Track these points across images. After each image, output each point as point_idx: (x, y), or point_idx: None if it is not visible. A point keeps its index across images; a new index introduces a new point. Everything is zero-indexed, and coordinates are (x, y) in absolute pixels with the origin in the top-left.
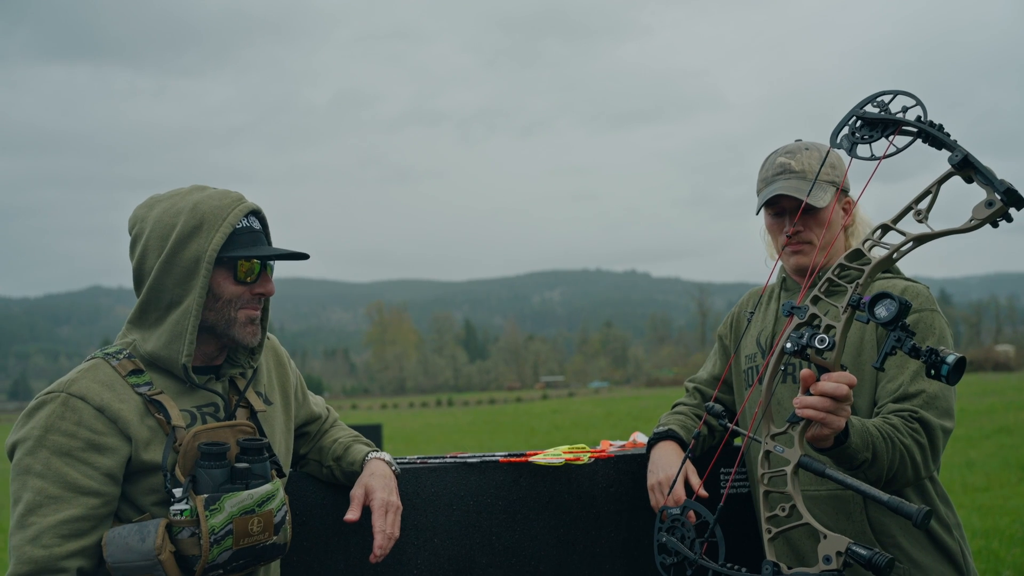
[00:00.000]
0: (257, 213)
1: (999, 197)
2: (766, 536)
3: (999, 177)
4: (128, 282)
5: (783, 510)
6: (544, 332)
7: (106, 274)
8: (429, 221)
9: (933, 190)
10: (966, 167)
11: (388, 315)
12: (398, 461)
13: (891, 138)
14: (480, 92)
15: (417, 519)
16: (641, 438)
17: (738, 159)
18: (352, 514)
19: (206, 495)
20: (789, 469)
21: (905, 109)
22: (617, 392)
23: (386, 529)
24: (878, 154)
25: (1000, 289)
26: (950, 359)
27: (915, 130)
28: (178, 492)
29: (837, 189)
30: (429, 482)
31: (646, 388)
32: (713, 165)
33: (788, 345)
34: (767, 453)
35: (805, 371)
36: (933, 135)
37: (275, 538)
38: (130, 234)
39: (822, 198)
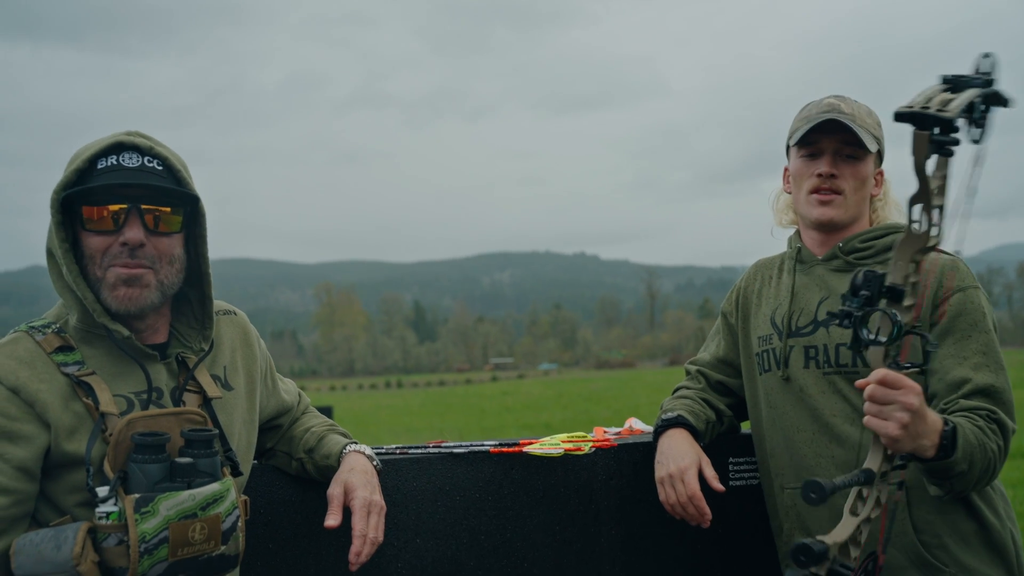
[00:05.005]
0: (141, 148)
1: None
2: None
3: None
4: None
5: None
6: (493, 314)
7: None
8: (378, 203)
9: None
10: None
11: (337, 296)
12: (376, 452)
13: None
14: (428, 77)
15: (398, 517)
16: (639, 424)
17: (680, 145)
18: (333, 519)
19: (137, 495)
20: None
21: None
22: (567, 374)
23: (368, 533)
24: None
25: None
26: None
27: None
28: (103, 491)
29: (879, 152)
30: (411, 475)
31: (595, 370)
32: (656, 150)
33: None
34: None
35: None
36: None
37: (223, 548)
38: None
39: (871, 143)
